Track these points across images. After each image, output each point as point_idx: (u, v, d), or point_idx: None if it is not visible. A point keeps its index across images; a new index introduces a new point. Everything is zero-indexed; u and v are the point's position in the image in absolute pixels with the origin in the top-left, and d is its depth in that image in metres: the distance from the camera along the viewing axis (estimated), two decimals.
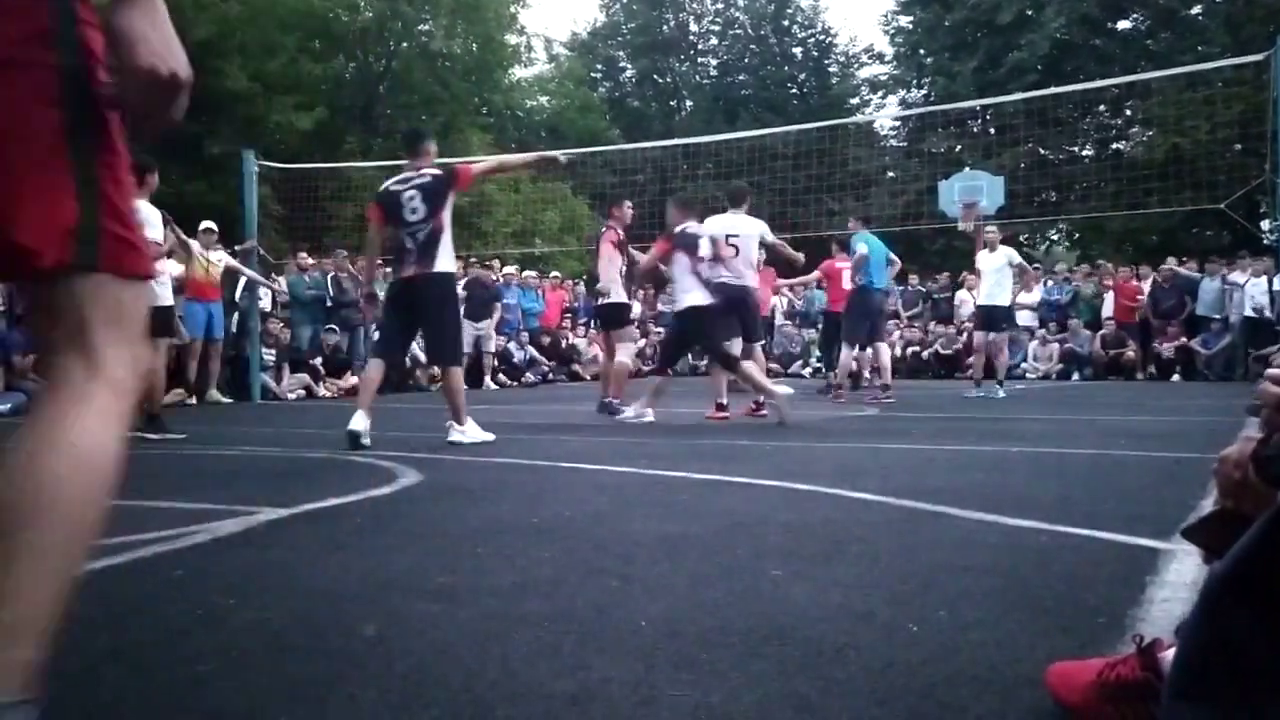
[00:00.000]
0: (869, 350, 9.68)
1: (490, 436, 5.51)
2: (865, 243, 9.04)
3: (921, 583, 2.15)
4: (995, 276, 9.57)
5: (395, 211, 5.42)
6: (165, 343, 6.60)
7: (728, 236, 7.19)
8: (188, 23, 18.84)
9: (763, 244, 7.48)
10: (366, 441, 5.21)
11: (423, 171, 5.51)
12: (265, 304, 11.13)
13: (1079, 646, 1.65)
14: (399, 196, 5.43)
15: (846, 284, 9.45)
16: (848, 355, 9.38)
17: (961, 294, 15.50)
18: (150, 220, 6.21)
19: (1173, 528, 2.58)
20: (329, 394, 11.08)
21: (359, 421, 5.24)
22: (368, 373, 5.73)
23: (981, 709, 1.42)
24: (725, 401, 7.11)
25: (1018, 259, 9.78)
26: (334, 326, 11.80)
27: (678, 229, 6.92)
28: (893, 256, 9.40)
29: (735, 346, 7.16)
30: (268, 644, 1.79)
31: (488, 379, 12.82)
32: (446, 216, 5.44)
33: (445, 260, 5.44)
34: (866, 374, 10.71)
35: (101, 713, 1.47)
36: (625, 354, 7.77)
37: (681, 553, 2.48)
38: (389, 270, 6.52)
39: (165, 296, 6.40)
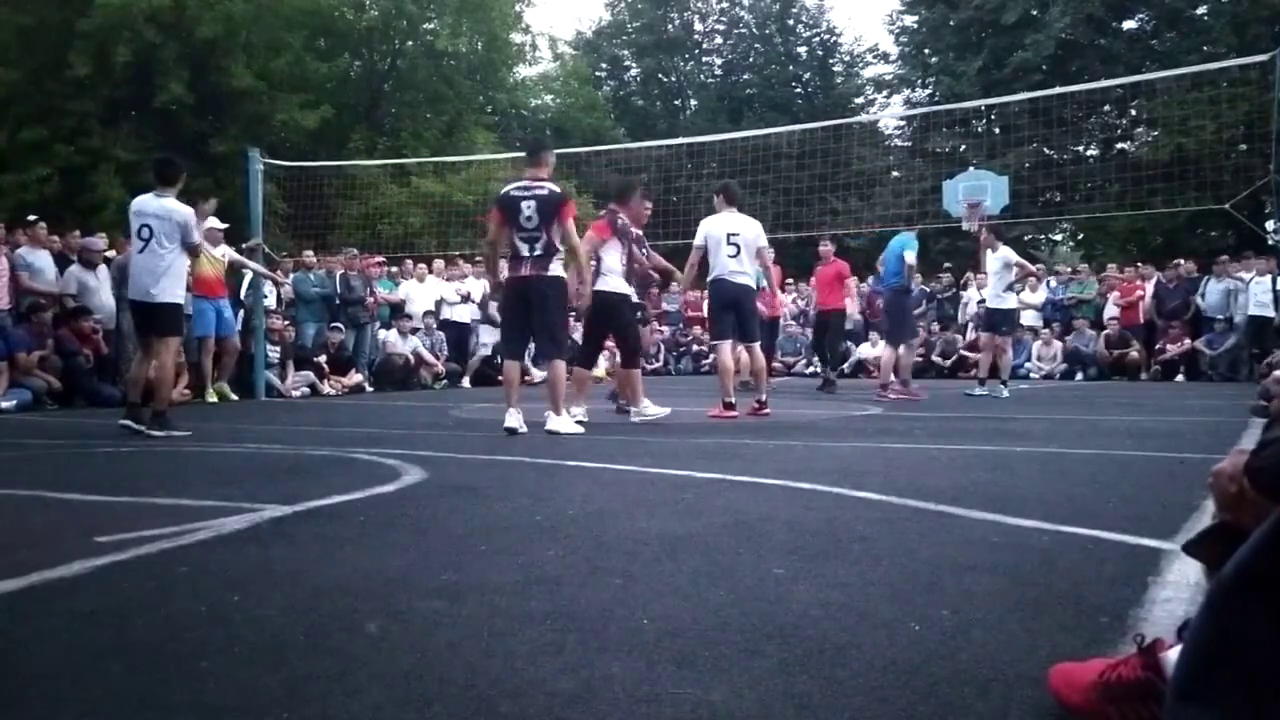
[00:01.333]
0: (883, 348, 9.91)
1: (580, 429, 5.97)
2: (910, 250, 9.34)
3: (924, 582, 2.15)
4: (994, 278, 9.70)
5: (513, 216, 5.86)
6: (176, 341, 6.57)
7: (729, 236, 7.18)
8: (193, 21, 18.93)
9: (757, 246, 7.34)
10: (522, 430, 5.72)
11: (541, 182, 5.94)
12: (270, 301, 11.13)
13: (1081, 646, 1.65)
14: (518, 203, 5.85)
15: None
16: (905, 354, 9.60)
17: (967, 293, 15.50)
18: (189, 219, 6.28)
19: (1176, 528, 2.58)
20: (333, 392, 11.10)
21: (512, 419, 5.78)
22: (507, 373, 6.19)
23: (983, 708, 1.42)
24: (733, 400, 7.10)
25: (1015, 258, 9.82)
26: (339, 324, 11.80)
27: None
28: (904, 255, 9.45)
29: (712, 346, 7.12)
30: (271, 641, 1.79)
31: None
32: (557, 231, 5.88)
33: (558, 265, 5.96)
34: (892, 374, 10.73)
35: (106, 708, 1.47)
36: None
37: (684, 551, 2.48)
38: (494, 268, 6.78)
39: (179, 294, 6.38)
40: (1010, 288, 9.87)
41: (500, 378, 7.19)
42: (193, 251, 6.51)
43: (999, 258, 9.57)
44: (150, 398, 6.22)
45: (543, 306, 5.88)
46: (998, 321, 9.78)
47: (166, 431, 6.06)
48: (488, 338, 13.19)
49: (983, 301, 11.06)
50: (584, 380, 6.92)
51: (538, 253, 5.83)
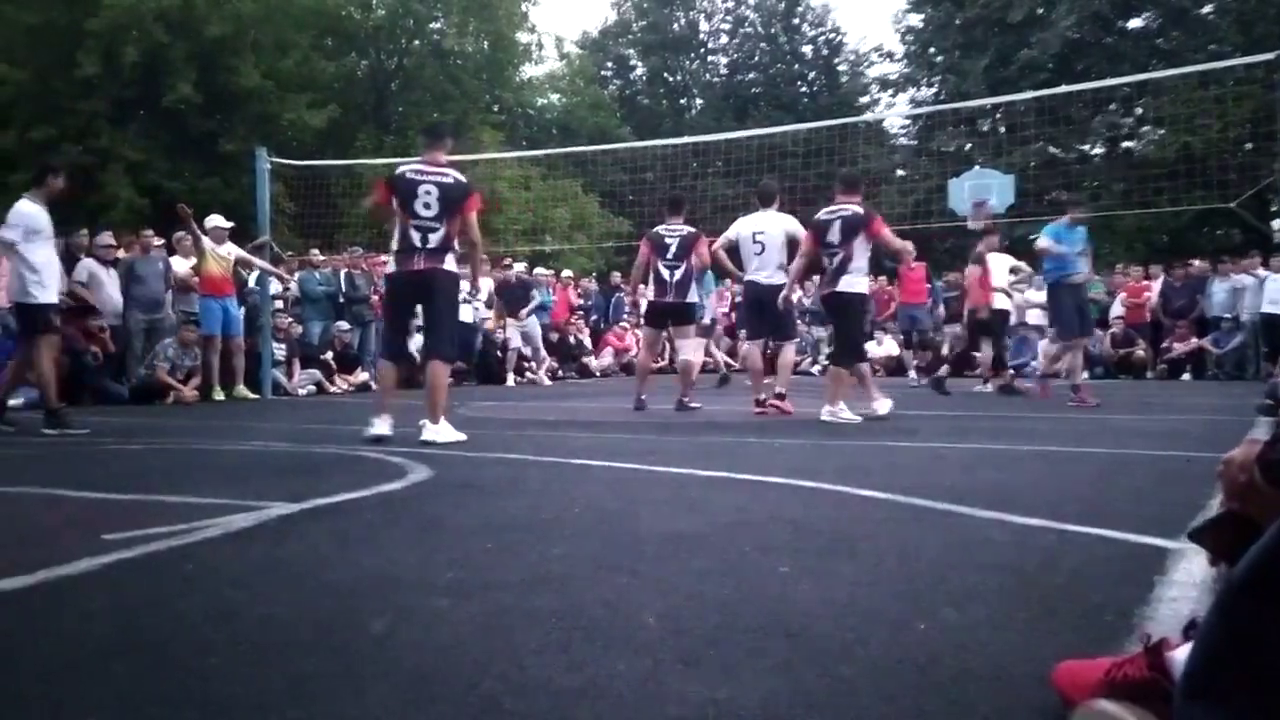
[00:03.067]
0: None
1: (462, 436, 5.37)
2: (1047, 235, 8.68)
3: (929, 580, 2.15)
4: (1001, 282, 10.15)
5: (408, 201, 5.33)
6: (53, 339, 6.49)
7: (754, 235, 7.19)
8: (201, 21, 18.97)
9: (791, 241, 7.22)
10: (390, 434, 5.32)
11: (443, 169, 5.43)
12: (274, 289, 11.14)
13: (1087, 645, 1.65)
14: (415, 187, 5.32)
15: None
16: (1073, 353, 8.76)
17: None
18: (35, 224, 6.18)
19: (1182, 527, 2.57)
20: (340, 390, 11.11)
21: (381, 425, 5.41)
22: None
23: (989, 707, 1.42)
24: (784, 392, 7.11)
25: (1013, 262, 10.36)
26: (345, 323, 11.82)
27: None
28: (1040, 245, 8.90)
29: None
30: (277, 638, 1.80)
31: (513, 375, 12.91)
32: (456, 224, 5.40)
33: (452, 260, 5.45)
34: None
35: (112, 705, 1.48)
36: (689, 351, 7.84)
37: (689, 549, 2.49)
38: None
39: (48, 295, 6.29)
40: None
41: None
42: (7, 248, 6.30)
43: (1004, 263, 10.08)
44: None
45: (437, 302, 5.39)
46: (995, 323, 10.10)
47: (61, 430, 6.09)
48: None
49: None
50: (844, 379, 6.64)
51: (431, 245, 5.28)
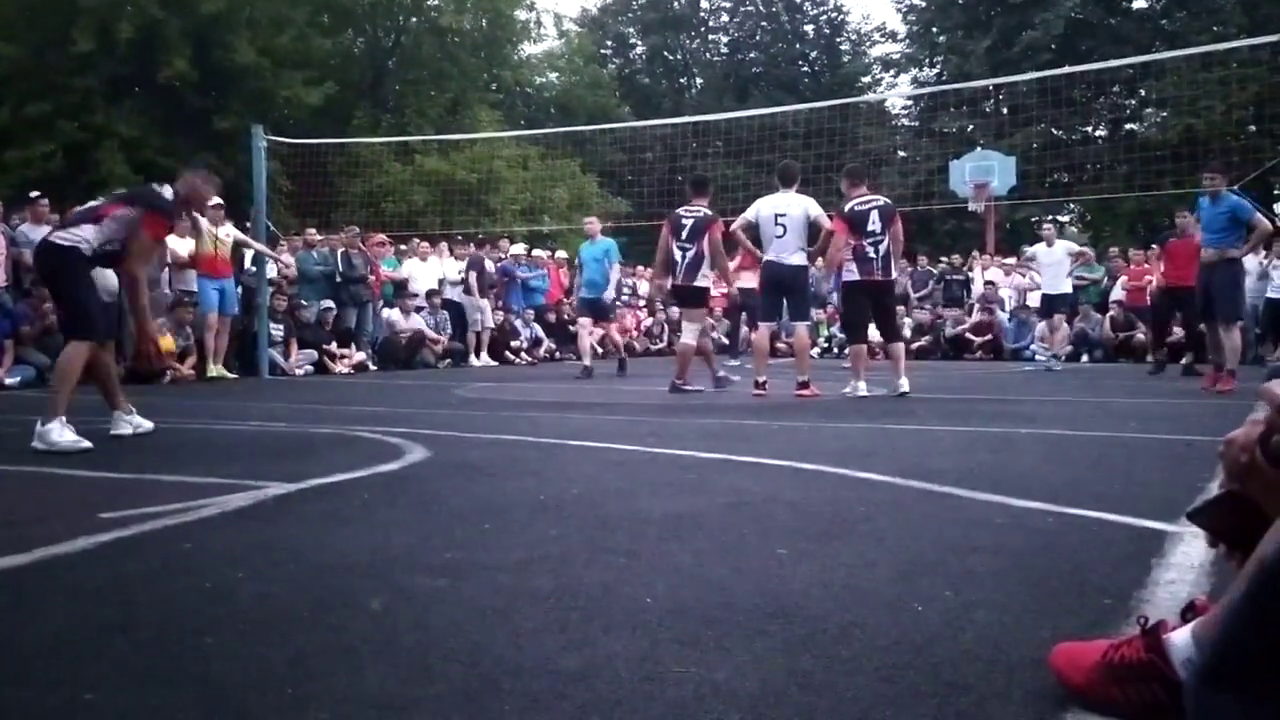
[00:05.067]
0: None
1: (84, 445, 4.28)
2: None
3: (927, 563, 2.15)
4: (1056, 269, 11.09)
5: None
6: None
7: (776, 216, 7.16)
8: None
9: (811, 224, 7.24)
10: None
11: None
12: (272, 272, 11.11)
13: (1084, 627, 1.65)
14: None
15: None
16: (1233, 336, 8.30)
17: (974, 274, 15.45)
18: None
19: (1181, 511, 2.57)
20: (337, 370, 11.10)
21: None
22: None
23: (986, 688, 1.42)
24: (807, 379, 7.13)
25: (1075, 248, 11.79)
26: (342, 302, 11.78)
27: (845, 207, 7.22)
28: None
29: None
30: (275, 617, 1.80)
31: (484, 355, 12.88)
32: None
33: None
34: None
35: (109, 683, 1.48)
36: (690, 335, 7.80)
37: (687, 531, 2.48)
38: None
39: None
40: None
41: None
42: None
43: (1060, 250, 11.18)
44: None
45: (56, 276, 4.60)
46: (1057, 305, 11.34)
47: None
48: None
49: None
50: (900, 355, 7.26)
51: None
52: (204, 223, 9.77)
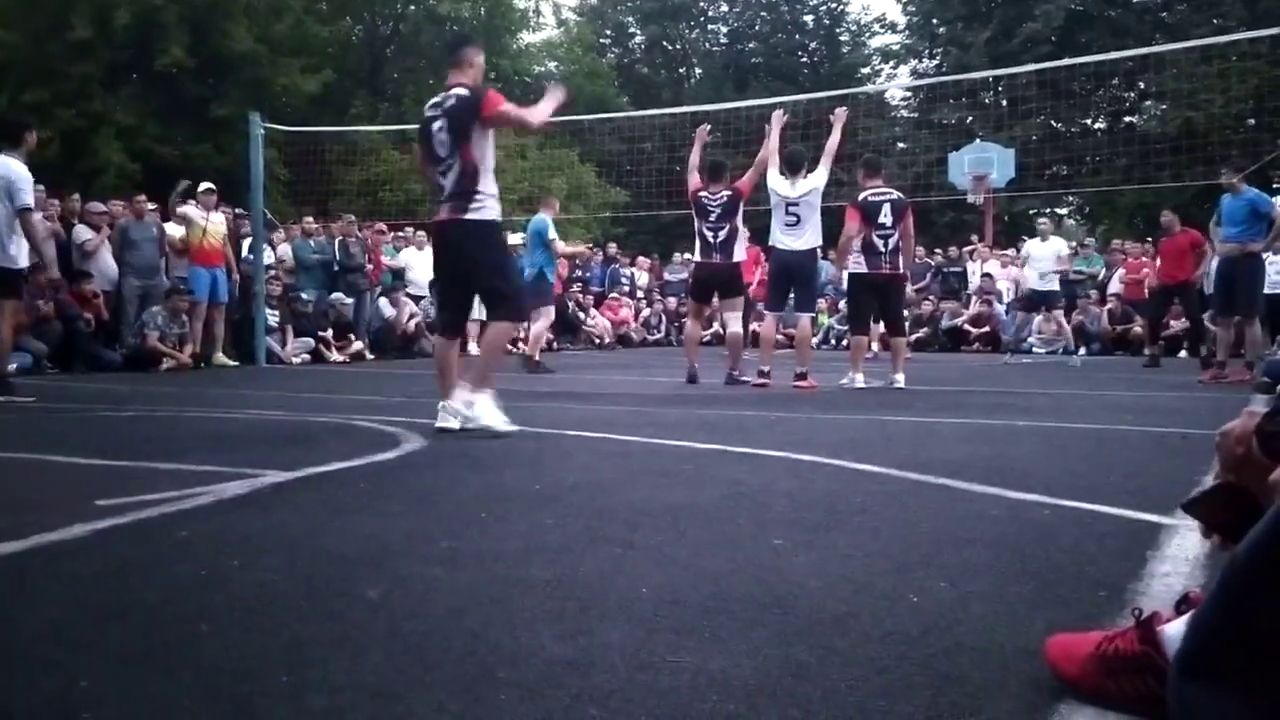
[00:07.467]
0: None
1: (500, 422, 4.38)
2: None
3: (923, 554, 2.15)
4: (1045, 265, 10.97)
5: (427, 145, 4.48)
6: (11, 304, 6.20)
7: (788, 206, 7.10)
8: None
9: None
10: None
11: (451, 91, 4.44)
12: (269, 258, 11.09)
13: (1079, 620, 1.65)
14: (429, 127, 4.44)
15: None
16: (1254, 329, 8.34)
17: (971, 266, 15.44)
18: (19, 181, 5.96)
19: (1175, 503, 2.58)
20: (334, 359, 11.09)
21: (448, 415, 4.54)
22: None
23: (981, 679, 1.43)
24: (805, 371, 7.12)
25: (1066, 251, 11.74)
26: (340, 291, 11.77)
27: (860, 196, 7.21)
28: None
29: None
30: (271, 605, 1.80)
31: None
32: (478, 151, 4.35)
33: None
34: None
35: (105, 670, 1.48)
36: (736, 323, 7.68)
37: (684, 521, 2.49)
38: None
39: (19, 260, 6.08)
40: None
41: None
42: (25, 215, 6.02)
43: (1053, 247, 11.08)
44: None
45: (469, 257, 4.40)
46: (1053, 300, 11.28)
47: (8, 397, 5.91)
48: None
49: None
50: (904, 349, 7.40)
51: (452, 187, 4.34)
52: (194, 211, 9.76)
